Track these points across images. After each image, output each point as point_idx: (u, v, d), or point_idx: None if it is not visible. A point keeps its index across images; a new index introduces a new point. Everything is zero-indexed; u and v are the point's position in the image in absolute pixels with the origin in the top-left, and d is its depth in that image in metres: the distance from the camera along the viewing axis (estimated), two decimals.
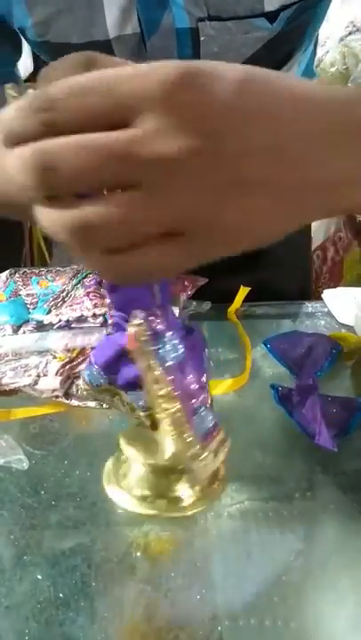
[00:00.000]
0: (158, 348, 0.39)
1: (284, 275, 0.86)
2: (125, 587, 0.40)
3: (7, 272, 0.67)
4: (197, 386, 0.41)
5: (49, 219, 0.25)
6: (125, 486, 0.46)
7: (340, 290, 0.75)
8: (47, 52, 0.63)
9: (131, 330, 0.39)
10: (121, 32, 0.58)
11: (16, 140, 0.25)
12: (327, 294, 0.74)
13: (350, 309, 0.71)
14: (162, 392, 0.39)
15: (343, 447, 0.49)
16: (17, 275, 0.66)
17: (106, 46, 0.59)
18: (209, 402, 0.42)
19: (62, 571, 0.40)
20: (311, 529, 0.44)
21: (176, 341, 0.40)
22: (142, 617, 0.38)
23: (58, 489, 0.46)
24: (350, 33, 1.18)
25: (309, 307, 0.74)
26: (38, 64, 1.65)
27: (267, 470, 0.49)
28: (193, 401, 0.40)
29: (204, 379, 0.42)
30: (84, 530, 0.43)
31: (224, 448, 0.42)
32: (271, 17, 0.57)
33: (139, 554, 0.42)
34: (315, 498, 0.46)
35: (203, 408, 0.41)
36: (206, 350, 0.44)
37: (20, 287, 0.63)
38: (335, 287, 0.77)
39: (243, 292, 0.71)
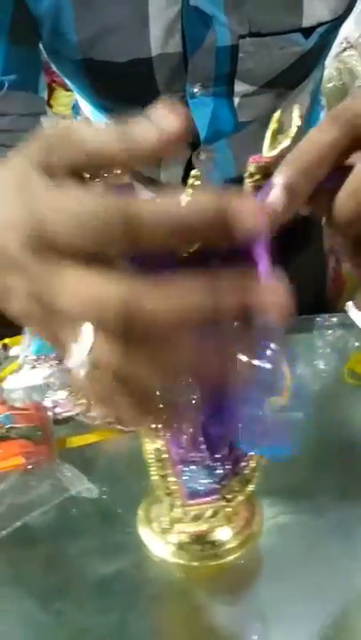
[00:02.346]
0: None
1: (299, 287, 0.88)
2: (170, 610, 0.41)
3: None
4: (191, 440, 0.39)
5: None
6: (159, 531, 0.44)
7: None
8: (85, 72, 0.63)
9: None
10: (164, 50, 0.59)
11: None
12: (351, 306, 0.75)
13: None
14: (153, 426, 0.38)
15: None
16: None
17: (147, 64, 0.60)
18: (208, 463, 0.40)
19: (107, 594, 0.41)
20: (348, 542, 0.45)
21: (192, 385, 0.39)
22: None
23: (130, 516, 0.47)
24: (345, 49, 1.22)
25: (326, 319, 0.74)
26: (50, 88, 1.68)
27: (298, 483, 0.50)
28: (181, 451, 0.39)
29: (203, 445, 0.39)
30: (116, 557, 0.44)
31: (221, 518, 0.40)
32: (306, 33, 0.59)
33: (169, 580, 0.43)
34: (349, 509, 0.47)
35: (197, 467, 0.40)
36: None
37: None
38: (338, 296, 0.78)
39: None
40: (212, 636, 0.40)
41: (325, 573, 0.42)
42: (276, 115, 0.37)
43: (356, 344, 0.71)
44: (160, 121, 0.26)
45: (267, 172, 0.37)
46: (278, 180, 0.30)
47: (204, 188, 0.39)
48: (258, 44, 0.60)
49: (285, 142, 0.36)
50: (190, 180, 0.38)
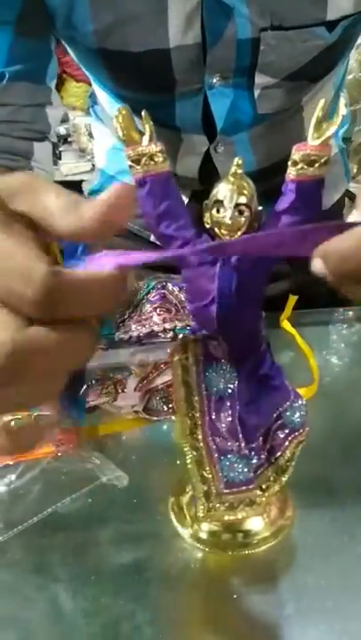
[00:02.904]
0: (203, 371, 0.40)
1: (316, 280, 0.88)
2: (202, 598, 0.41)
3: None
4: (228, 429, 0.39)
5: None
6: (191, 519, 0.45)
7: None
8: (102, 60, 0.63)
9: (181, 341, 0.40)
10: (182, 42, 0.59)
11: None
12: None
13: None
14: (189, 414, 0.40)
15: None
16: None
17: (164, 56, 0.60)
18: (245, 453, 0.40)
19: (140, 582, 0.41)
20: None
21: (228, 375, 0.39)
22: (211, 632, 0.39)
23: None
24: None
25: (342, 313, 0.75)
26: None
27: (318, 477, 0.50)
28: (218, 440, 0.40)
29: (240, 429, 0.40)
30: (146, 544, 0.44)
31: (257, 507, 0.40)
32: (330, 26, 0.58)
33: (198, 567, 0.43)
34: None
35: (234, 457, 0.40)
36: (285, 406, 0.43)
37: None
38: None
39: (292, 300, 0.72)
40: (243, 624, 0.40)
41: (349, 566, 0.43)
42: (321, 102, 0.37)
43: None
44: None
45: (311, 160, 0.37)
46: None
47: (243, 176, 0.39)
48: (280, 37, 0.59)
49: (331, 130, 0.36)
50: (233, 169, 0.38)
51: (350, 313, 0.75)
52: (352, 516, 0.46)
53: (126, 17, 0.58)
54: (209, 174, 0.73)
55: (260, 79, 0.63)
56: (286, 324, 0.71)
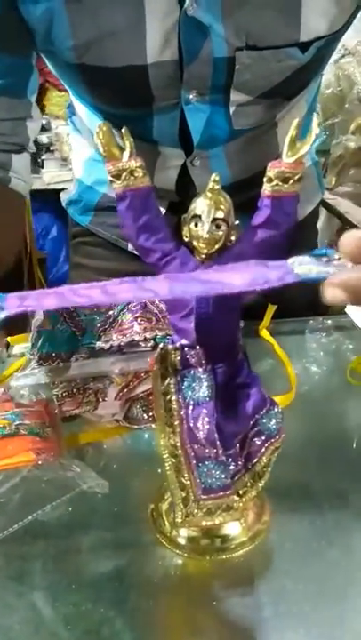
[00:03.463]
0: (182, 380, 0.40)
1: (293, 289, 0.89)
2: (181, 602, 0.42)
3: None
4: (206, 436, 0.40)
5: None
6: (170, 525, 0.45)
7: None
8: (80, 75, 0.64)
9: (160, 350, 0.40)
10: (160, 58, 0.60)
11: None
12: (351, 308, 0.77)
13: None
14: (168, 421, 0.40)
15: None
16: None
17: (142, 71, 0.61)
18: (222, 459, 0.41)
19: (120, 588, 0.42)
20: (347, 539, 0.46)
21: (206, 383, 0.40)
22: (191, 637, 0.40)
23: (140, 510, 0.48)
24: (343, 56, 1.24)
25: (320, 322, 0.76)
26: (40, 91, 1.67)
27: (295, 482, 0.51)
28: (196, 447, 0.40)
29: (215, 435, 0.40)
30: (127, 551, 0.45)
31: (234, 512, 0.41)
32: (304, 47, 0.60)
33: (178, 573, 0.44)
34: (346, 507, 0.49)
35: (212, 463, 0.40)
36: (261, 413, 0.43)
37: (65, 315, 0.64)
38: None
39: (270, 309, 0.74)
40: (222, 629, 0.41)
41: (327, 570, 0.44)
42: (295, 122, 0.38)
43: (351, 346, 0.72)
44: None
45: (285, 177, 0.38)
46: None
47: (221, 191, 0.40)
48: (255, 56, 0.60)
49: (305, 149, 0.37)
50: (211, 184, 0.39)
51: (328, 322, 0.77)
52: (329, 520, 0.47)
53: (105, 33, 0.59)
54: (186, 187, 0.74)
55: (235, 96, 0.64)
56: (265, 333, 0.72)
